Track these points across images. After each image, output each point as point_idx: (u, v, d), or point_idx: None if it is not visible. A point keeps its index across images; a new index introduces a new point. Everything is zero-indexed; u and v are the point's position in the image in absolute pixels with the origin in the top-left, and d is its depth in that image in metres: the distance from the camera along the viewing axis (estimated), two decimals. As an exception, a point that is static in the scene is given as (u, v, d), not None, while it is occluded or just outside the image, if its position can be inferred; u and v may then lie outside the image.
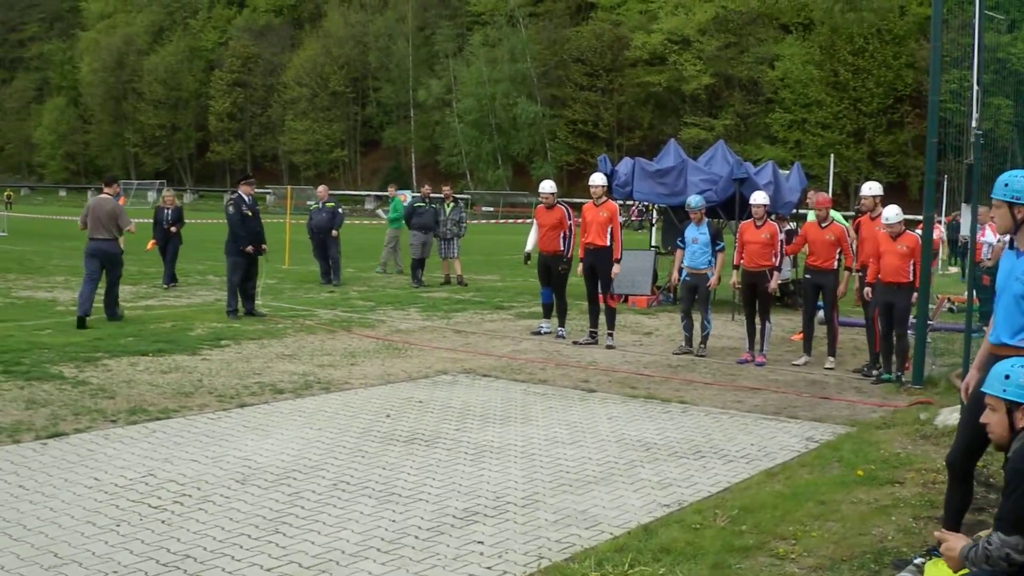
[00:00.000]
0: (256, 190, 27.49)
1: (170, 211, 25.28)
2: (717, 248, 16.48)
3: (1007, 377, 5.70)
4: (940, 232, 26.73)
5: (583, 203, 18.32)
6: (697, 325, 16.42)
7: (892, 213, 14.03)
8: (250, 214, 19.90)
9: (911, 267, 13.82)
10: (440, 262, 27.47)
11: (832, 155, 36.41)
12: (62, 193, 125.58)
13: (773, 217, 24.55)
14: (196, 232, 39.27)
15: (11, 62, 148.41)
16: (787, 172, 23.80)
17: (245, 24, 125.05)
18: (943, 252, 35.49)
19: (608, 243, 16.86)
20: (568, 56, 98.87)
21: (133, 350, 15.38)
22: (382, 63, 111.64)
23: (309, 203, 28.91)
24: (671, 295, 23.08)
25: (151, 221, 25.39)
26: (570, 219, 17.57)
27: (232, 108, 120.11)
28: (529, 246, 19.13)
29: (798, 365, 15.44)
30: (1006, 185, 6.76)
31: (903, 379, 13.96)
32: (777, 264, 15.80)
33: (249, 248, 19.62)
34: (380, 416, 11.49)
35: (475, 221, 72.64)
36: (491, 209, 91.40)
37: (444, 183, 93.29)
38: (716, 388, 13.83)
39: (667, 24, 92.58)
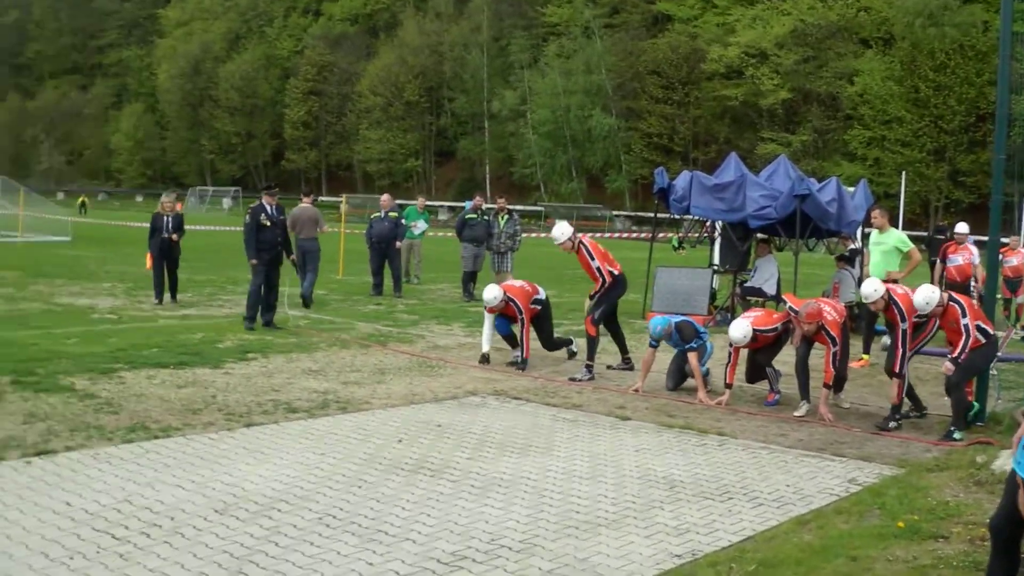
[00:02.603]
0: (330, 198, 26.83)
1: (170, 218, 22.76)
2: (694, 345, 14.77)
3: None
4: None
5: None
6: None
7: (930, 292, 12.46)
8: (268, 224, 19.30)
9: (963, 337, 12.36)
10: (493, 276, 26.66)
11: (904, 173, 35.29)
12: (139, 199, 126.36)
13: (840, 236, 23.70)
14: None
15: (90, 68, 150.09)
16: (852, 189, 22.80)
17: (321, 32, 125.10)
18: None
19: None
20: (644, 68, 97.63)
21: (154, 362, 14.81)
22: (456, 73, 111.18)
23: (373, 214, 28.08)
24: (729, 315, 22.18)
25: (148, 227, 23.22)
26: (521, 314, 16.34)
27: (307, 116, 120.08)
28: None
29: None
30: None
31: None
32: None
33: (254, 261, 19.14)
34: (392, 441, 10.78)
35: (547, 234, 71.89)
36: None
37: (515, 195, 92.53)
38: (761, 419, 12.96)
39: (744, 37, 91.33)
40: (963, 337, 12.29)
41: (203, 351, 16.08)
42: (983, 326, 12.53)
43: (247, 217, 19.49)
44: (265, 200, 19.62)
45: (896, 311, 12.74)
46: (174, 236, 22.42)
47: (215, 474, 9.20)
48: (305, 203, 25.25)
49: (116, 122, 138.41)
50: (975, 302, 13.42)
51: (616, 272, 16.08)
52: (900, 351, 12.72)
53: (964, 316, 12.35)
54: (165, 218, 22.56)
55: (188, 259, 30.26)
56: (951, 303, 12.46)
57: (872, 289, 12.87)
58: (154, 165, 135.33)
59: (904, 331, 12.70)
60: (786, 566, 7.21)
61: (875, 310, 13.12)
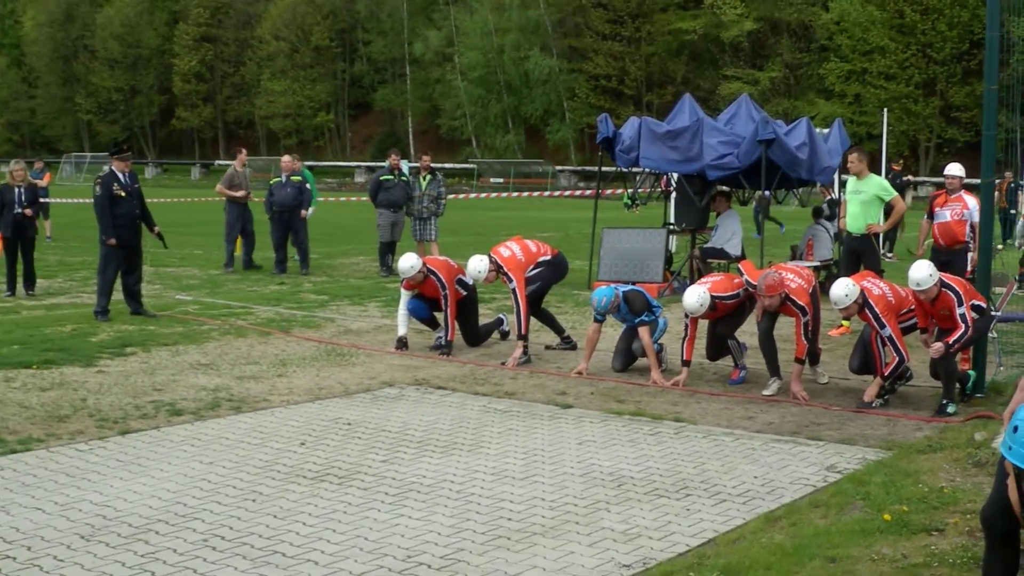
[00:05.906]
0: (227, 162, 26.74)
1: (22, 190, 21.98)
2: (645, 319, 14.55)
3: (1015, 430, 4.60)
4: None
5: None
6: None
7: (923, 274, 12.15)
8: (123, 195, 18.79)
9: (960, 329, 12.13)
10: (415, 246, 26.44)
11: (887, 110, 35.32)
12: (4, 169, 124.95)
13: (817, 187, 23.75)
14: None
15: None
16: (825, 131, 22.77)
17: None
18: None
19: None
20: (587, 1, 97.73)
21: (14, 361, 14.57)
22: (372, 12, 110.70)
23: (273, 179, 27.83)
24: (688, 282, 22.13)
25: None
26: (444, 289, 16.05)
27: (200, 67, 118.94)
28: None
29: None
30: None
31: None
32: None
33: (112, 241, 18.61)
34: (293, 444, 10.67)
35: (481, 195, 71.84)
36: (500, 180, 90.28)
37: (444, 151, 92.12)
38: (724, 401, 12.93)
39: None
40: (960, 329, 12.08)
41: (73, 346, 15.88)
42: (978, 304, 12.40)
43: (96, 188, 18.87)
44: (116, 166, 19.08)
45: (871, 316, 12.44)
46: (27, 211, 21.77)
47: (82, 492, 9.03)
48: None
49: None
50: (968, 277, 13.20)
51: (550, 257, 16.07)
52: (891, 360, 12.44)
53: (960, 305, 12.09)
54: (16, 190, 21.83)
55: (61, 238, 30.00)
56: (944, 290, 12.20)
57: (843, 293, 12.42)
58: (22, 129, 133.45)
59: (889, 337, 12.39)
60: (753, 572, 7.13)
61: (846, 316, 12.87)
